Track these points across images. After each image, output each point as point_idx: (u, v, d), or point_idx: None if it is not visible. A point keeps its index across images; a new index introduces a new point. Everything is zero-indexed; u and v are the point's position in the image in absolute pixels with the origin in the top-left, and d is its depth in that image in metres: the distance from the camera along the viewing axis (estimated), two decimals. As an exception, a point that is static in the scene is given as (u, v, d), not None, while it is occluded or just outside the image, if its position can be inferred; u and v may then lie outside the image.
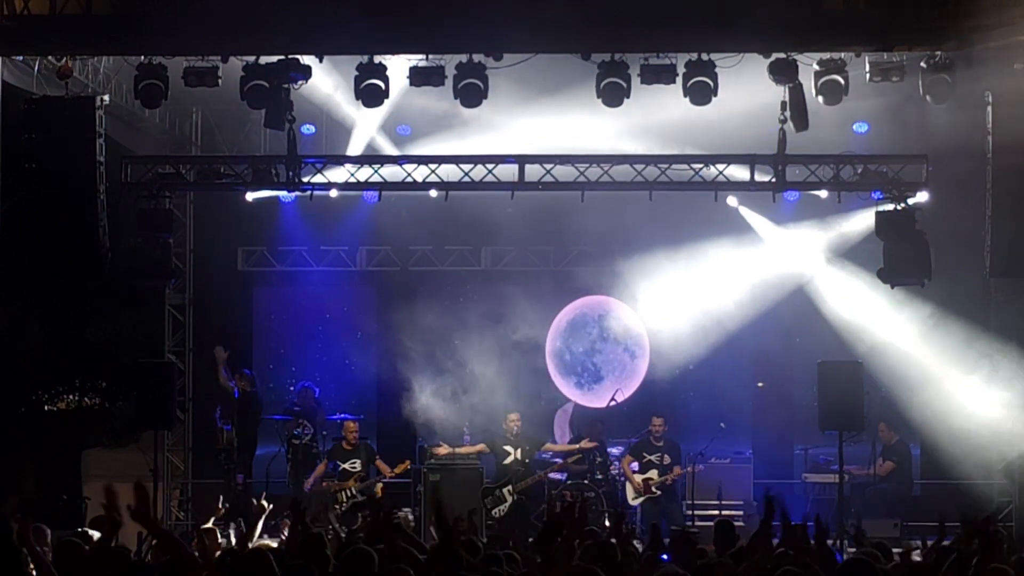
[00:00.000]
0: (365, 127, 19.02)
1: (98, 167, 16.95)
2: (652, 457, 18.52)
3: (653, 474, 18.46)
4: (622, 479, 18.85)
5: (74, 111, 16.88)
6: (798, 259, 20.34)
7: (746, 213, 20.16)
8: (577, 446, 18.67)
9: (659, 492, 18.36)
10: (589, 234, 20.11)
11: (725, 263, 20.34)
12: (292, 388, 20.17)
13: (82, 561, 8.25)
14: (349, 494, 18.19)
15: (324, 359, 20.95)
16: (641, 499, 18.44)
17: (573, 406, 20.71)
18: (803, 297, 20.26)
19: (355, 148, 19.02)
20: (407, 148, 19.08)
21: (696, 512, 18.51)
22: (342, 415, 19.10)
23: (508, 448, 18.25)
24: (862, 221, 19.27)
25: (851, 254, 20.04)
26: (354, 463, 18.35)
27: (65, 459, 20.07)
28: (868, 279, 18.94)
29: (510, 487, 18.04)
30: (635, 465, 18.63)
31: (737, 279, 20.34)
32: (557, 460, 18.69)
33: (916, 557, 9.83)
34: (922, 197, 17.88)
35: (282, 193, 19.08)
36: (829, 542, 9.32)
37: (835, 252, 20.21)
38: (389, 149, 19.20)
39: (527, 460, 18.24)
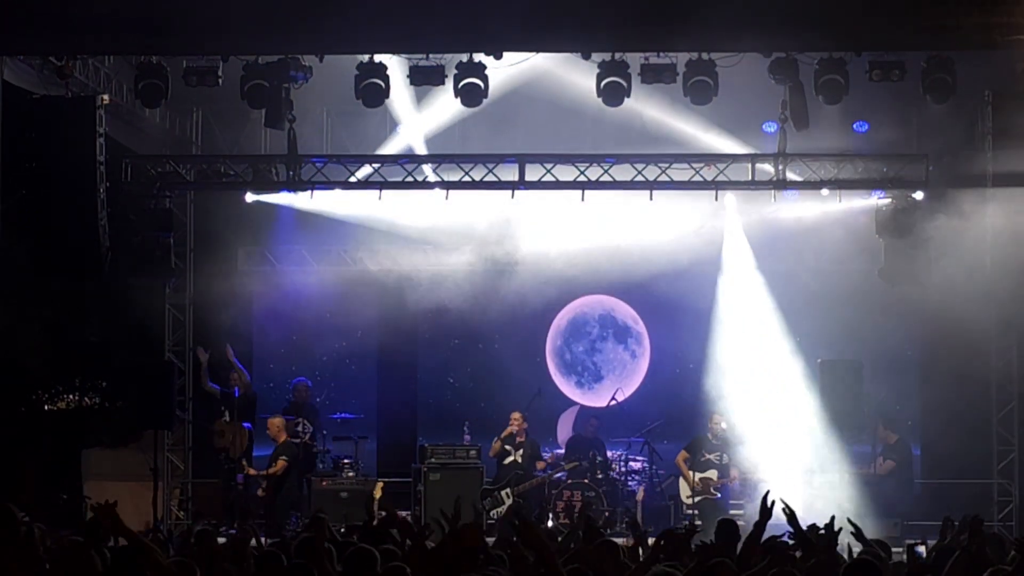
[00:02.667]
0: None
1: (98, 167, 16.93)
2: (711, 456, 18.18)
3: (712, 474, 18.09)
4: (622, 479, 18.81)
5: (74, 111, 16.86)
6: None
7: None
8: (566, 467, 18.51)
9: (718, 494, 18.08)
10: (585, 232, 20.14)
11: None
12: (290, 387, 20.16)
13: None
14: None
15: (324, 359, 20.92)
16: (698, 498, 18.05)
17: (579, 409, 20.70)
18: (804, 296, 20.23)
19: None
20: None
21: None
22: (342, 414, 19.07)
23: (509, 448, 18.23)
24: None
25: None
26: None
27: (65, 459, 20.05)
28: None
29: (508, 490, 18.02)
30: (687, 462, 18.23)
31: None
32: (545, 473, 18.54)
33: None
34: (922, 197, 17.90)
35: (282, 195, 19.10)
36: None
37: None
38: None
39: (526, 463, 18.21)
